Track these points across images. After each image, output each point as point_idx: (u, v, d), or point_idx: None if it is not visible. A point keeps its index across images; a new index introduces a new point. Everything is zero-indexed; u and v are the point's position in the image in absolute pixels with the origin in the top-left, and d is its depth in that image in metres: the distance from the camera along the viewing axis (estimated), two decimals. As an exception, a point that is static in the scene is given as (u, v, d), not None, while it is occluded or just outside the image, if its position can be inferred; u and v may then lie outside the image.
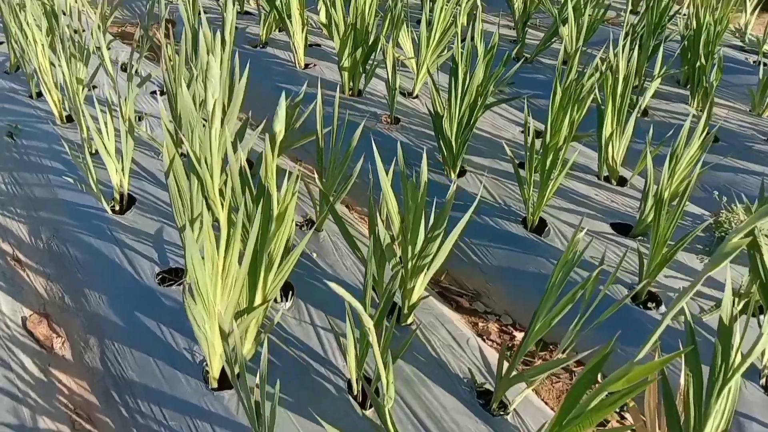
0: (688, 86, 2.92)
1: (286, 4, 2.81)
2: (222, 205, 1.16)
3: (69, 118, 2.42)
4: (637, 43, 2.12)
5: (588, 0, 2.86)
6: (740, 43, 3.51)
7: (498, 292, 1.93)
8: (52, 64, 2.29)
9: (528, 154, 1.90)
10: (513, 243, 1.98)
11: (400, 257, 1.48)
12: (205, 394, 1.42)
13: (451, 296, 1.97)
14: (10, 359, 1.56)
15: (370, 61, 2.64)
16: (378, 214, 1.38)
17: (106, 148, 1.86)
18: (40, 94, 2.56)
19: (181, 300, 1.65)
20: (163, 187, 2.07)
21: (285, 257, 1.35)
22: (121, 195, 1.96)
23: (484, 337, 1.82)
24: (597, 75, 2.01)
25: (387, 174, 1.38)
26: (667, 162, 1.73)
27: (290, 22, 2.80)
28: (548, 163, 1.91)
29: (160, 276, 1.72)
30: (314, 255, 1.82)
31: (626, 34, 2.07)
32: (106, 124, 1.89)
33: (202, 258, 1.17)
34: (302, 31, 2.88)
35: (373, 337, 1.05)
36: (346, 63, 2.57)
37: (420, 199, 1.33)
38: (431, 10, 2.58)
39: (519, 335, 1.85)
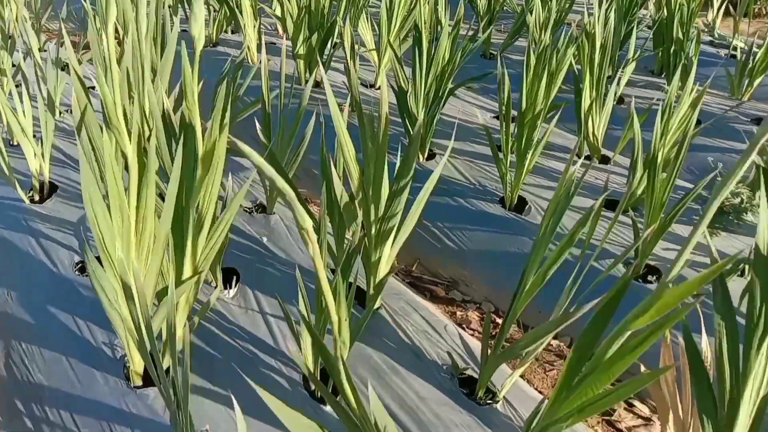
0: (663, 75, 2.79)
1: (237, -1, 2.63)
2: (129, 134, 0.93)
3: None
4: (613, 7, 1.97)
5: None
6: (710, 38, 3.44)
7: (477, 277, 1.71)
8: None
9: (503, 123, 1.71)
10: (491, 224, 1.76)
11: (361, 224, 1.25)
12: (126, 393, 1.15)
13: (424, 286, 1.73)
14: None
15: (327, 50, 2.45)
16: (332, 165, 1.16)
17: (22, 128, 1.61)
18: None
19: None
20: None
21: (216, 222, 1.11)
22: (41, 183, 1.70)
23: (464, 326, 1.58)
24: (572, 44, 1.84)
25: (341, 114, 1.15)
26: (658, 119, 1.55)
27: (241, 15, 2.61)
28: (525, 134, 1.72)
29: (80, 266, 1.46)
30: (264, 239, 1.58)
31: (600, 2, 1.92)
32: (22, 102, 1.65)
33: (108, 207, 0.93)
34: (255, 26, 2.69)
35: (335, 317, 0.81)
36: (301, 50, 2.38)
37: (381, 143, 1.11)
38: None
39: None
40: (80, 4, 3.84)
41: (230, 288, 1.41)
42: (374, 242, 1.25)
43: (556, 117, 1.72)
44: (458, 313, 1.64)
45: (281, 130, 1.51)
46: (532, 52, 1.76)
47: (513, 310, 1.11)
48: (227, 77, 1.52)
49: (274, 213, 1.68)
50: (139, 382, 1.17)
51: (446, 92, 1.88)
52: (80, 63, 2.50)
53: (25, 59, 1.82)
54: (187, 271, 1.11)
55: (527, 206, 1.79)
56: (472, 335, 1.51)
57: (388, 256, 1.31)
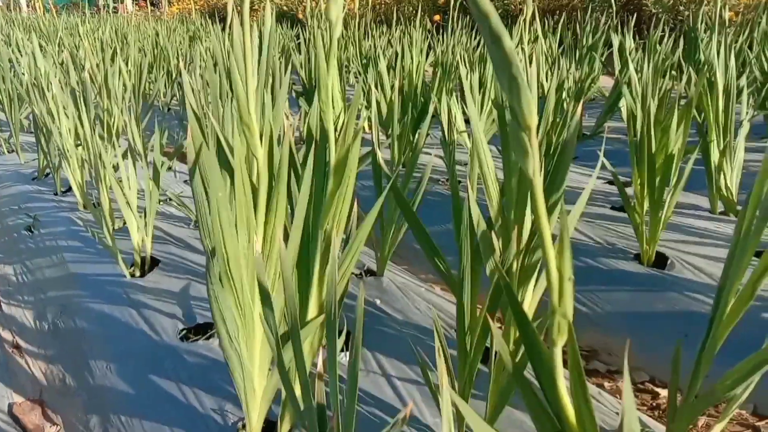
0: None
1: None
2: (261, 138, 0.83)
3: (94, 205, 2.18)
4: (732, 53, 1.84)
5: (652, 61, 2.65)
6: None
7: (621, 343, 1.47)
8: (78, 143, 2.10)
9: (636, 171, 1.55)
10: (630, 282, 1.55)
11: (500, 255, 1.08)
12: (240, 464, 0.97)
13: (559, 356, 1.50)
14: (-20, 448, 1.15)
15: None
16: (468, 184, 1.02)
17: (127, 200, 1.58)
18: (65, 192, 2.36)
19: (210, 356, 1.25)
20: (192, 249, 1.74)
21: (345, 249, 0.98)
22: (143, 259, 1.63)
23: (619, 398, 1.33)
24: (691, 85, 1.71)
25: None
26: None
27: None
28: (657, 182, 1.55)
29: (183, 333, 1.33)
30: (378, 301, 1.42)
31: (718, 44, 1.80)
32: (128, 179, 1.63)
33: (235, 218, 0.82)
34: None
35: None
36: (396, 130, 2.34)
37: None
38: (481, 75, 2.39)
39: (663, 392, 1.35)
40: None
41: (345, 351, 1.25)
42: (518, 277, 1.08)
43: (692, 159, 1.54)
44: (606, 384, 1.40)
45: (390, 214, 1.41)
46: (653, 98, 1.63)
47: (711, 339, 0.89)
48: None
49: (384, 276, 1.53)
50: (255, 450, 0.99)
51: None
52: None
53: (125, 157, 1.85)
54: (312, 309, 0.96)
55: (669, 261, 1.57)
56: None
57: (530, 300, 1.12)
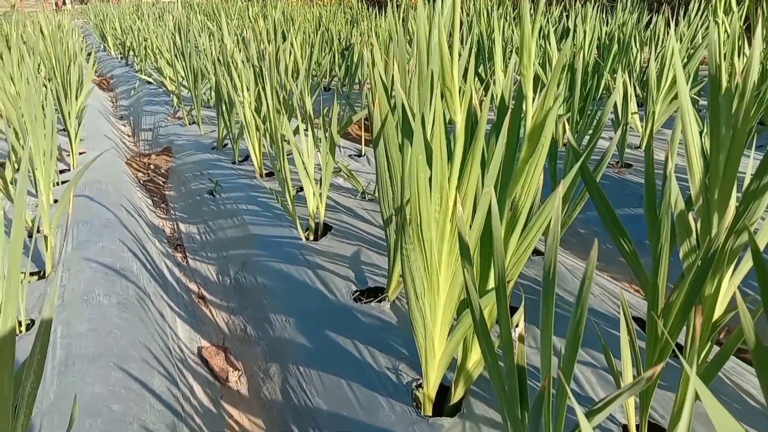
0: None
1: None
2: (461, 95, 0.83)
3: (269, 174, 2.34)
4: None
5: None
6: None
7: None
8: (257, 116, 2.25)
9: None
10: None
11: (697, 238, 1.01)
12: (415, 422, 1.00)
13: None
14: (180, 382, 1.28)
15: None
16: (669, 155, 0.96)
17: (305, 168, 1.67)
18: (242, 161, 2.55)
19: (383, 318, 1.29)
20: (360, 218, 1.81)
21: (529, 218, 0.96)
22: (317, 224, 1.73)
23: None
24: None
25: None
26: None
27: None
28: None
29: (357, 294, 1.39)
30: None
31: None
32: (307, 148, 1.72)
33: (429, 180, 0.83)
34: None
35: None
36: (561, 110, 2.26)
37: (742, 123, 0.90)
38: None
39: None
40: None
41: (516, 326, 1.23)
42: (713, 268, 1.00)
43: None
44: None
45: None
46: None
47: None
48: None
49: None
50: (430, 411, 1.01)
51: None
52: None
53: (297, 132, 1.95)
54: (492, 279, 0.96)
55: None
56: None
57: (724, 293, 1.04)
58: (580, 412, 0.44)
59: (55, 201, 2.06)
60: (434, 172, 0.83)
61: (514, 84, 0.89)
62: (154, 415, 1.08)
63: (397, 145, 1.14)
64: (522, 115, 0.88)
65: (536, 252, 1.60)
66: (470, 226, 0.82)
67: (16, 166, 1.98)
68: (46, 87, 2.34)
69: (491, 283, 0.98)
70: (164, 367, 1.26)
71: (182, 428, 1.11)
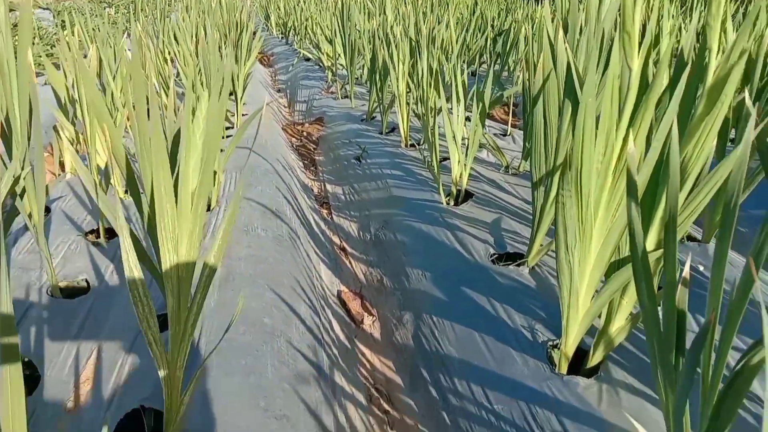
0: None
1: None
2: (640, 46, 0.81)
3: (412, 146, 2.39)
4: None
5: None
6: None
7: None
8: (408, 90, 2.31)
9: None
10: None
11: None
12: (548, 378, 0.99)
13: None
14: (321, 315, 1.36)
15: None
16: None
17: (453, 134, 1.69)
18: (389, 133, 2.63)
19: (521, 281, 1.29)
20: (503, 190, 1.81)
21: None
22: (458, 191, 1.75)
23: None
24: None
25: None
26: None
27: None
28: None
29: (494, 257, 1.40)
30: (701, 267, 1.31)
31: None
32: (457, 116, 1.75)
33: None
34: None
35: None
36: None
37: None
38: None
39: None
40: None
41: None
42: None
43: None
44: None
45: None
46: None
47: None
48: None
49: (711, 243, 1.41)
50: (565, 369, 1.00)
51: None
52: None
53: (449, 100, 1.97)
54: (651, 241, 0.93)
55: None
56: None
57: None
58: None
59: (221, 150, 2.25)
60: (602, 117, 0.82)
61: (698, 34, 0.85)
62: (299, 335, 1.16)
63: (557, 103, 1.13)
64: (704, 68, 0.84)
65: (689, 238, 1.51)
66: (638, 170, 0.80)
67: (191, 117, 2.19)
68: (220, 50, 2.55)
69: (651, 240, 0.94)
70: (309, 298, 1.35)
71: (321, 353, 1.18)
